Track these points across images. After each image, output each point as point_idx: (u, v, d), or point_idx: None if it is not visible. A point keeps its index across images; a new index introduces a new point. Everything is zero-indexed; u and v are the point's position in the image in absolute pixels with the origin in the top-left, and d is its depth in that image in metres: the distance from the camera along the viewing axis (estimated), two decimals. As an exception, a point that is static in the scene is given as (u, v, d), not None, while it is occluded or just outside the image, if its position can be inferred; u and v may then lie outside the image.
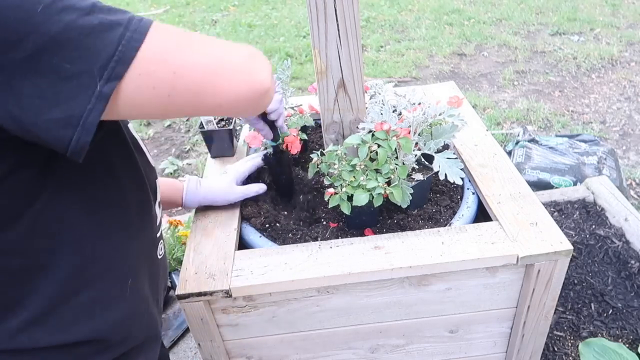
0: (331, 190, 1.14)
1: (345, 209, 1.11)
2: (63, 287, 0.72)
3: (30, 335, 0.71)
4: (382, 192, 1.10)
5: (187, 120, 3.82)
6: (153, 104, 0.62)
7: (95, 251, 0.74)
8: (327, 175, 1.18)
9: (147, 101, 0.61)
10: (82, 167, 0.66)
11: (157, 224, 0.91)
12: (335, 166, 1.15)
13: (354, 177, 1.12)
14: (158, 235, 0.91)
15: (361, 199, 1.08)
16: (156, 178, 0.91)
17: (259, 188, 1.26)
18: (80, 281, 0.74)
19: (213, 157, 1.47)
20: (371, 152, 1.12)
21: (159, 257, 0.92)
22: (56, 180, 0.67)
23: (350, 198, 1.11)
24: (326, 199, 1.14)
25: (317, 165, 1.20)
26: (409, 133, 1.17)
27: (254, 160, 1.32)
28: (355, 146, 1.15)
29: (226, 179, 1.26)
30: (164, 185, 1.15)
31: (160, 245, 0.92)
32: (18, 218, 0.65)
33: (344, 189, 1.12)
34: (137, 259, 0.83)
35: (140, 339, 0.86)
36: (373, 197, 1.10)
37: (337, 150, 1.18)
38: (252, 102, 0.68)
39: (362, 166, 1.13)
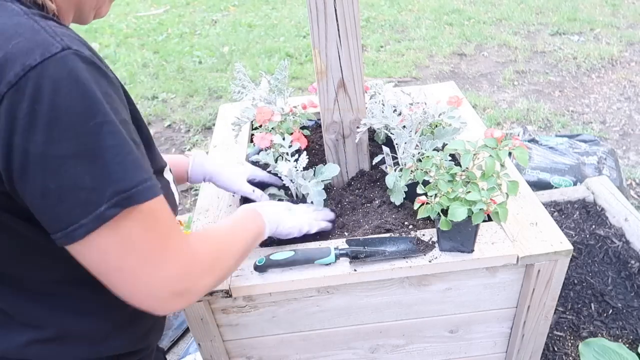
0: (423, 198, 1.02)
1: (444, 226, 0.99)
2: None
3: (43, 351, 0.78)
4: (485, 207, 0.95)
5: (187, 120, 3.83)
6: (106, 257, 0.66)
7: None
8: (421, 183, 1.06)
9: (107, 251, 0.65)
10: None
11: None
12: (432, 174, 1.03)
13: (451, 188, 1.00)
14: None
15: (458, 213, 0.95)
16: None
17: (261, 196, 1.21)
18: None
19: None
20: (477, 161, 0.98)
21: None
22: None
23: (444, 212, 0.99)
24: (415, 207, 1.04)
25: (412, 171, 1.09)
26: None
27: (270, 176, 1.29)
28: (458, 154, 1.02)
29: (240, 169, 1.24)
30: (170, 162, 1.16)
31: None
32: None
33: (437, 199, 1.00)
34: None
35: (153, 347, 0.95)
36: (472, 213, 0.96)
37: (435, 157, 1.06)
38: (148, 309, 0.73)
39: (463, 177, 1.01)
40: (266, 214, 1.02)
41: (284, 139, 1.23)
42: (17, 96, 0.57)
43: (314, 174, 1.24)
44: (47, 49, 0.58)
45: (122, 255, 0.66)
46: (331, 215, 1.19)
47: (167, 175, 0.88)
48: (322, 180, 1.21)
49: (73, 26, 0.75)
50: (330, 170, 1.23)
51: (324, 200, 1.19)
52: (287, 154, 1.22)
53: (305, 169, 1.22)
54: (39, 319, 0.76)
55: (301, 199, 1.23)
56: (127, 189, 0.62)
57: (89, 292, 0.78)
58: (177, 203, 0.94)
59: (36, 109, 0.57)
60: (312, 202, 1.18)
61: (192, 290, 0.74)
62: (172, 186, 0.89)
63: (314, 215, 1.14)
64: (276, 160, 1.23)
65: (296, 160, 1.20)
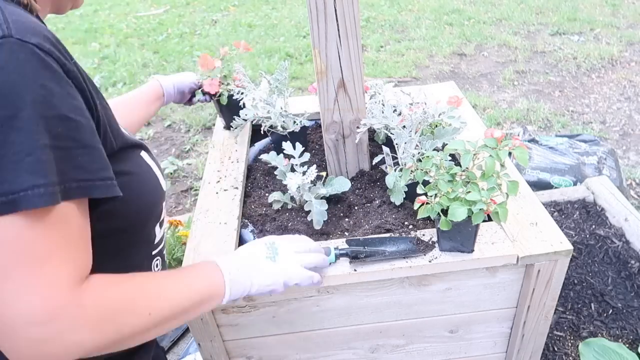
0: (422, 198, 1.02)
1: (444, 226, 0.99)
2: None
3: None
4: (485, 207, 0.95)
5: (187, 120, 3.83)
6: None
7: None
8: (421, 183, 1.05)
9: None
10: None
11: (155, 242, 0.90)
12: (432, 174, 1.03)
13: (451, 188, 0.99)
14: (154, 252, 0.90)
15: (458, 213, 0.94)
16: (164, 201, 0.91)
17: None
18: None
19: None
20: (477, 162, 0.98)
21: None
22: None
23: (444, 212, 0.99)
24: (415, 207, 1.04)
25: (412, 171, 1.08)
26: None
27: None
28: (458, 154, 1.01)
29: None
30: (141, 91, 1.32)
31: (157, 262, 0.92)
32: None
33: (437, 199, 0.99)
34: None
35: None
36: (472, 213, 0.96)
37: (435, 157, 1.05)
38: None
39: (463, 177, 1.01)
40: (229, 270, 0.81)
41: (294, 147, 1.23)
42: None
43: (323, 184, 1.25)
44: None
45: None
46: (325, 261, 0.99)
47: (147, 158, 0.85)
48: (326, 195, 1.21)
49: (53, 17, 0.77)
50: (340, 185, 1.23)
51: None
52: (298, 165, 1.22)
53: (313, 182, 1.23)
54: None
55: (301, 208, 1.24)
56: (12, 192, 0.56)
57: (108, 263, 0.73)
58: (164, 188, 0.89)
59: None
60: (311, 220, 1.17)
61: (55, 343, 0.58)
62: (155, 171, 0.86)
63: (304, 259, 0.92)
64: (292, 170, 1.25)
65: (304, 173, 1.20)
